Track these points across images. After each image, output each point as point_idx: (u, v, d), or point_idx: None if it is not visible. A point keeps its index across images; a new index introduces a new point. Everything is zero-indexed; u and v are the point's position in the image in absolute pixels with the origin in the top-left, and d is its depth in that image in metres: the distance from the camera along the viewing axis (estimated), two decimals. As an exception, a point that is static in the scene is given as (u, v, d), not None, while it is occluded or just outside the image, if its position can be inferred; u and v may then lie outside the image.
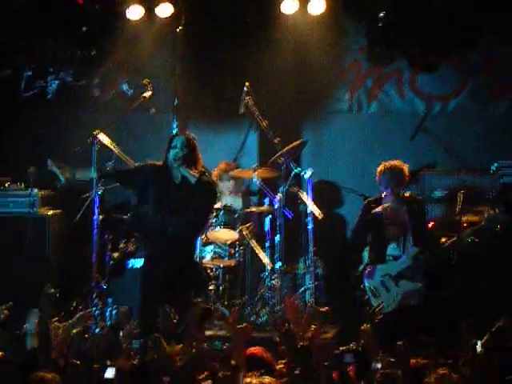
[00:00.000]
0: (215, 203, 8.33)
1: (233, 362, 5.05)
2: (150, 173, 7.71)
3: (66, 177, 7.98)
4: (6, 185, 9.09)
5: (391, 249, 8.01)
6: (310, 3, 9.48)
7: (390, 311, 7.66)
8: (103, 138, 8.38)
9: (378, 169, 8.46)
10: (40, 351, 5.33)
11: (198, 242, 8.55)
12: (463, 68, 10.04)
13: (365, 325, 5.87)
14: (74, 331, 5.67)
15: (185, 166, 7.61)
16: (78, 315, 7.71)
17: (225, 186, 9.52)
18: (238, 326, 5.62)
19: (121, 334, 7.10)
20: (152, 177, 7.65)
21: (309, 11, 9.54)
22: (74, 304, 8.54)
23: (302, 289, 8.79)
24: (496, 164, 9.22)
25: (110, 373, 5.03)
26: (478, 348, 5.48)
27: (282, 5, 9.49)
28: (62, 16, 9.89)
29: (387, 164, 8.43)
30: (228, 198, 9.48)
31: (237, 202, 9.51)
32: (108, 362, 5.21)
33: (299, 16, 9.61)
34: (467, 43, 9.69)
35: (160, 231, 7.55)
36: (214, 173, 9.49)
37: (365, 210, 8.53)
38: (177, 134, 7.90)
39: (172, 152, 7.66)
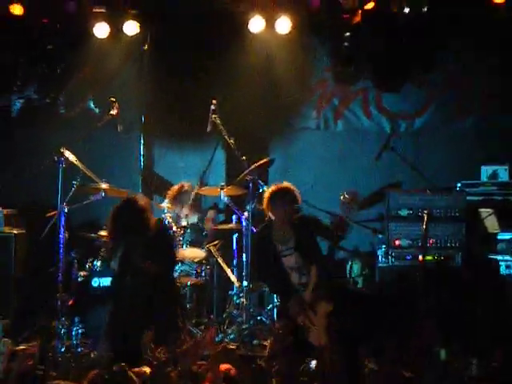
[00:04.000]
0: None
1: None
2: None
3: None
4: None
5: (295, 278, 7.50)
6: (276, 22, 9.54)
7: None
8: (69, 155, 8.34)
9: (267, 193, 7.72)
10: None
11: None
12: (426, 87, 10.15)
13: None
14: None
15: None
16: None
17: (179, 210, 9.47)
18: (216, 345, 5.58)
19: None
20: None
21: (276, 30, 9.61)
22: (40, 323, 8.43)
23: (270, 306, 8.79)
24: (460, 183, 9.35)
25: None
26: None
27: (249, 24, 9.55)
28: (27, 34, 9.86)
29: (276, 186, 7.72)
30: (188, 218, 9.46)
31: (195, 221, 9.47)
32: None
33: (266, 35, 9.70)
34: (429, 62, 9.86)
35: None
36: (170, 193, 9.41)
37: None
38: None
39: None
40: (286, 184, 7.69)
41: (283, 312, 7.51)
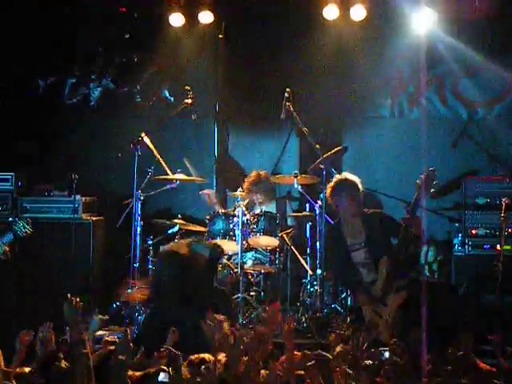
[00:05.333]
0: None
1: None
2: None
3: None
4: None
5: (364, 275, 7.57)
6: (351, 9, 9.46)
7: None
8: (147, 140, 8.49)
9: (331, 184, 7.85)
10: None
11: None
12: (506, 73, 9.92)
13: None
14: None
15: None
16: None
17: (255, 198, 9.47)
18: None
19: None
20: None
21: (351, 17, 9.52)
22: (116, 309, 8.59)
23: (343, 295, 8.77)
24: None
25: (163, 376, 5.00)
26: None
27: (324, 11, 9.49)
28: (105, 23, 10.02)
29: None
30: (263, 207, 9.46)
31: (270, 209, 9.47)
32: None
33: (341, 22, 9.61)
34: (509, 47, 9.64)
35: None
36: (246, 182, 9.42)
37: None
38: None
39: None
40: (343, 175, 7.82)
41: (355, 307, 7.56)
